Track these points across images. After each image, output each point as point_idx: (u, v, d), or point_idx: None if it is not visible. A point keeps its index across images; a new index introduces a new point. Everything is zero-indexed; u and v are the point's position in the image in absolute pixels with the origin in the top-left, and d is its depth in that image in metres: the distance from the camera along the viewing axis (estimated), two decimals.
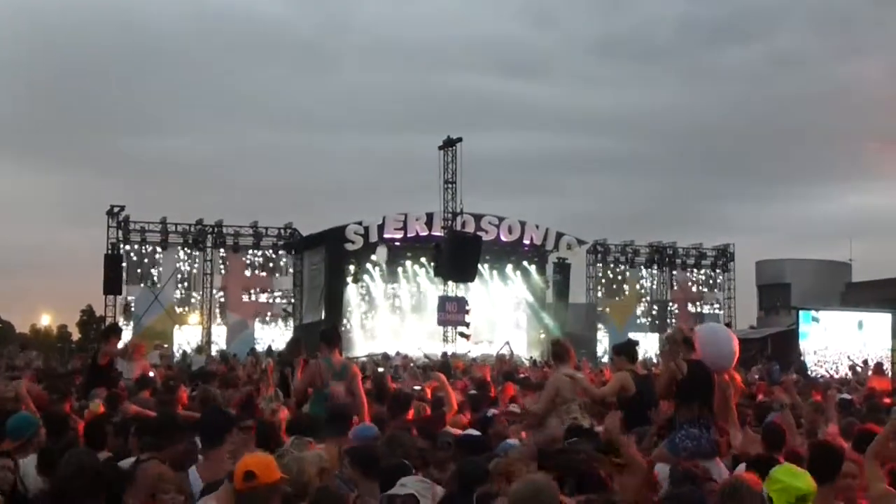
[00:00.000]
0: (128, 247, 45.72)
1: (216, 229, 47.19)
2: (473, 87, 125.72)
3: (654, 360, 27.06)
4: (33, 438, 8.09)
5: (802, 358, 31.38)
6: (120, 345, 16.45)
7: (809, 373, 30.02)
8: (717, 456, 8.52)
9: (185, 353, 42.93)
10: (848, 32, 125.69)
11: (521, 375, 21.67)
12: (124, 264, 45.03)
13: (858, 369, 28.24)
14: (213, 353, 40.58)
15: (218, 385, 16.05)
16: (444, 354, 37.44)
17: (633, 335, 51.13)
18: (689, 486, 6.19)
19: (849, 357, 34.41)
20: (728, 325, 40.66)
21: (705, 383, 9.31)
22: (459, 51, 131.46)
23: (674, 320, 53.31)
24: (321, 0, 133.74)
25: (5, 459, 7.33)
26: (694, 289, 54.87)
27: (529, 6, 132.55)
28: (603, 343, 51.06)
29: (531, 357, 42.43)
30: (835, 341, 35.47)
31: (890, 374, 29.33)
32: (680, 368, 9.17)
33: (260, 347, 42.52)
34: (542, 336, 49.28)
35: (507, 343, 31.88)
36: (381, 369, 27.43)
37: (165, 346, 39.97)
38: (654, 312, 54.15)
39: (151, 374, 17.89)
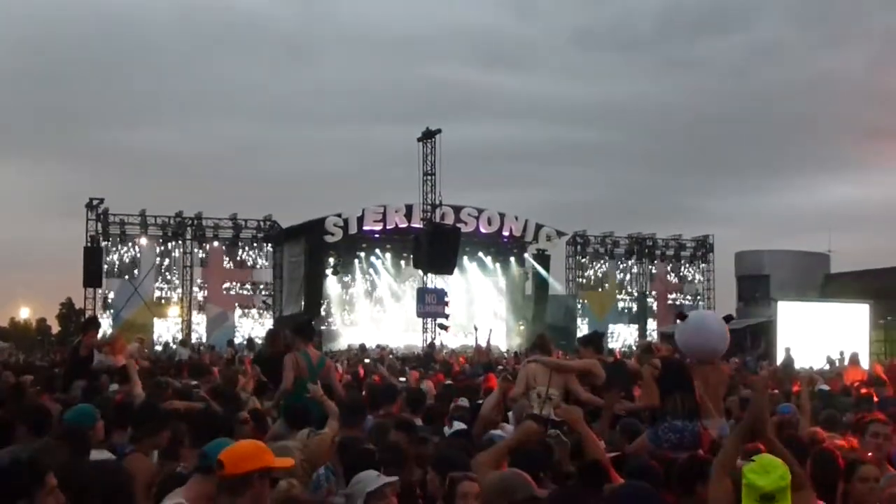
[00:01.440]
0: (107, 240, 45.63)
1: (196, 222, 47.17)
2: (453, 77, 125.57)
3: (634, 349, 27.15)
4: (89, 431, 8.00)
5: (787, 349, 31.44)
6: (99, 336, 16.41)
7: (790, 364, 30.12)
8: (699, 449, 8.52)
9: (167, 344, 42.96)
10: (827, 23, 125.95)
11: (499, 367, 21.71)
12: (104, 257, 44.94)
13: (836, 360, 28.34)
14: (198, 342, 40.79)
15: (188, 375, 16.12)
16: (431, 346, 37.53)
17: (612, 326, 51.70)
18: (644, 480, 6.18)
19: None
20: None
21: (683, 375, 9.39)
22: (439, 41, 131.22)
23: (654, 311, 53.65)
24: None
25: None
26: (673, 280, 55.08)
27: None
28: (582, 334, 51.16)
29: (509, 349, 42.47)
30: (813, 332, 35.59)
31: (868, 364, 29.53)
32: (655, 366, 9.31)
33: (239, 339, 42.56)
34: (522, 327, 49.43)
35: (475, 328, 31.55)
36: (367, 361, 27.45)
37: (143, 338, 39.85)
38: (633, 304, 54.32)
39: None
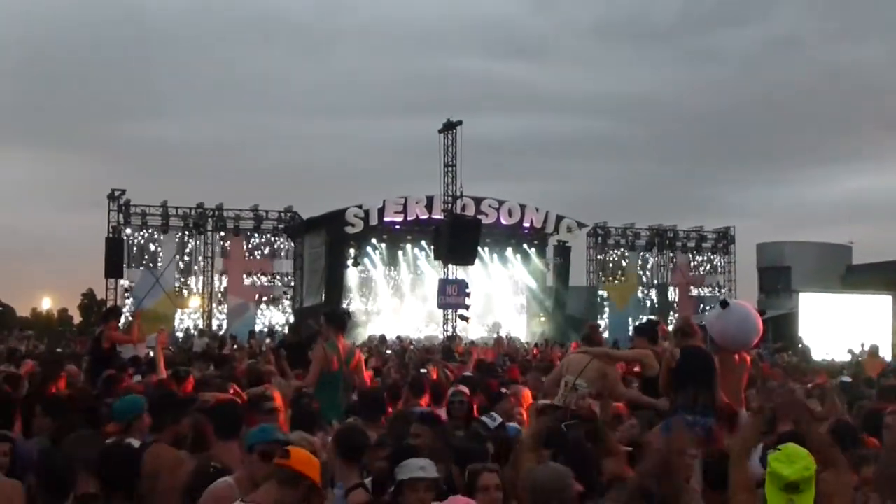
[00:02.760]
0: (129, 230, 45.78)
1: (217, 213, 47.25)
2: (473, 69, 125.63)
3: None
4: (136, 421, 8.03)
5: (802, 342, 31.38)
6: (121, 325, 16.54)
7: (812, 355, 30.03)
8: (710, 445, 8.41)
9: (187, 333, 43.11)
10: (845, 14, 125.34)
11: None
12: (126, 248, 45.10)
13: (856, 352, 28.26)
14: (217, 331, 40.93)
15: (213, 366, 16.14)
16: (451, 338, 37.48)
17: (633, 318, 51.54)
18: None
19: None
20: None
21: (702, 369, 9.33)
22: (459, 32, 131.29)
23: (675, 303, 53.48)
24: None
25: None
26: (694, 272, 54.89)
27: None
28: (604, 326, 51.20)
29: (529, 341, 42.44)
30: (835, 324, 35.47)
31: (891, 356, 29.42)
32: (674, 357, 9.23)
33: (260, 327, 42.75)
34: (542, 319, 49.37)
35: (498, 325, 31.83)
36: (389, 352, 27.48)
37: (165, 329, 40.00)
38: (654, 295, 54.19)
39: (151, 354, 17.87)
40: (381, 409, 9.36)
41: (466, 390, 10.36)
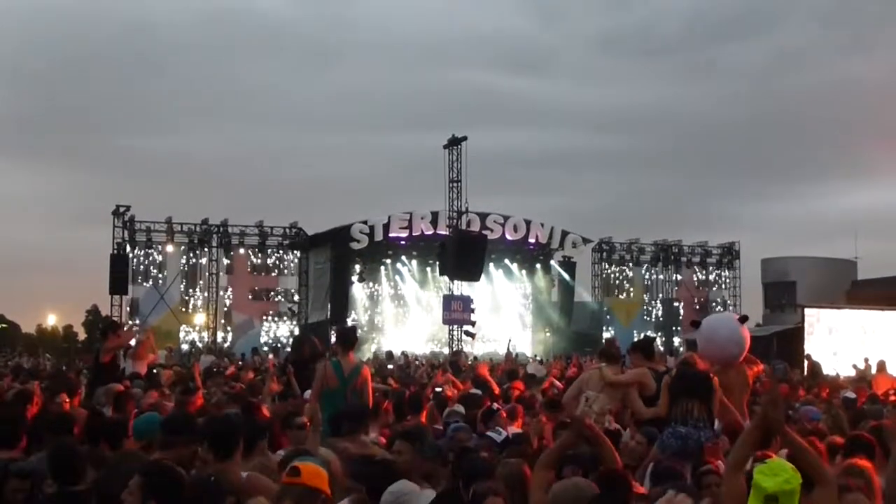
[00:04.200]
0: (133, 247, 45.84)
1: (221, 229, 47.34)
2: (478, 83, 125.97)
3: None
4: (155, 439, 8.01)
5: (810, 357, 31.29)
6: (133, 342, 16.59)
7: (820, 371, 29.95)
8: (703, 456, 8.45)
9: (192, 350, 43.16)
10: (853, 29, 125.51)
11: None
12: (131, 264, 45.18)
13: (861, 367, 28.17)
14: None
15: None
16: (456, 353, 37.47)
17: (637, 334, 51.53)
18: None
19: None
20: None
21: (697, 385, 9.37)
22: (463, 46, 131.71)
23: (680, 318, 53.45)
24: None
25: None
26: (699, 287, 54.89)
27: (534, 1, 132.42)
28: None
29: (535, 355, 42.47)
30: (840, 340, 35.41)
31: None
32: (671, 377, 9.36)
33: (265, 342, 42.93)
34: (548, 334, 49.37)
35: (510, 340, 31.96)
36: (390, 367, 27.47)
37: (172, 346, 40.20)
38: (659, 311, 54.18)
39: (155, 371, 17.89)
40: (362, 424, 9.34)
41: (462, 410, 10.39)
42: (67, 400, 11.57)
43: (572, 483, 6.01)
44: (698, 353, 10.68)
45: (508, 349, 28.45)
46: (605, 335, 50.91)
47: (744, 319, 11.27)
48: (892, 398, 15.65)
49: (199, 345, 45.81)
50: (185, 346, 45.37)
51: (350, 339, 12.38)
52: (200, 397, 12.38)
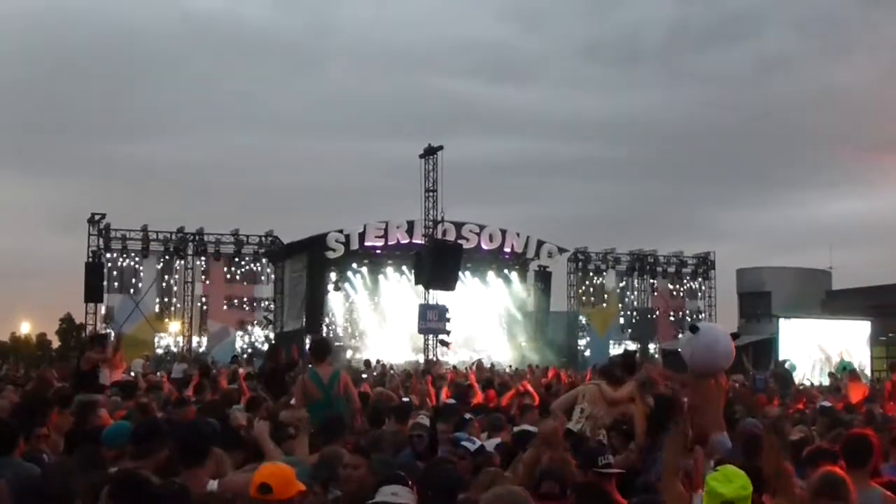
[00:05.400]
0: (109, 255, 45.70)
1: (197, 237, 47.27)
2: (458, 91, 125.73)
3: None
4: (127, 447, 7.94)
5: (787, 365, 31.43)
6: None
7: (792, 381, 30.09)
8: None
9: (163, 359, 42.96)
10: (834, 35, 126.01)
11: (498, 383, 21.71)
12: (106, 272, 45.04)
13: (838, 376, 28.33)
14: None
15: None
16: (428, 362, 37.44)
17: (613, 343, 51.69)
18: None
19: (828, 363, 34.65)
20: None
21: (672, 411, 9.50)
22: (444, 54, 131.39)
23: (657, 327, 53.62)
24: (303, 4, 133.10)
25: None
26: (675, 297, 55.08)
27: (515, 9, 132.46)
28: (585, 351, 51.41)
29: (510, 366, 42.48)
30: (814, 349, 35.66)
31: (869, 380, 29.54)
32: (648, 406, 9.48)
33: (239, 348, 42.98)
34: (524, 344, 49.39)
35: (479, 360, 32.29)
36: (364, 376, 27.45)
37: (148, 354, 40.11)
38: (634, 321, 54.31)
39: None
40: (340, 431, 9.33)
41: (426, 422, 10.36)
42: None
43: (506, 490, 5.96)
44: (687, 357, 10.62)
45: (479, 360, 28.59)
46: (581, 345, 51.34)
47: (735, 337, 11.32)
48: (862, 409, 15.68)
49: (175, 349, 45.76)
50: (159, 351, 45.29)
51: (323, 349, 12.48)
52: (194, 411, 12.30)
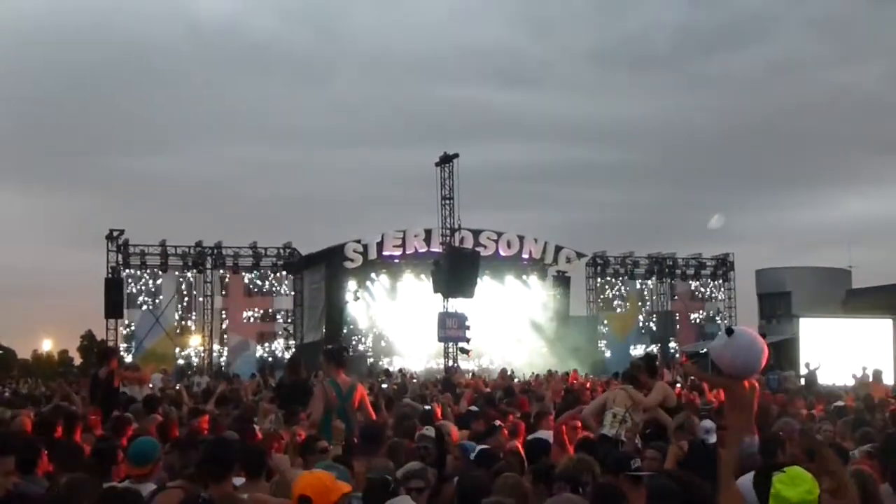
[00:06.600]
0: (128, 270, 45.84)
1: (215, 251, 47.38)
2: (470, 98, 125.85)
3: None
4: (156, 465, 7.91)
5: (810, 367, 31.24)
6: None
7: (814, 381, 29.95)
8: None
9: (184, 372, 42.97)
10: (846, 38, 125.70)
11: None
12: (125, 288, 45.17)
13: (858, 376, 28.15)
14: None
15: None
16: (448, 370, 37.43)
17: (633, 347, 51.52)
18: None
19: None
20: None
21: (708, 462, 9.42)
22: (454, 62, 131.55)
23: (677, 330, 53.42)
24: (314, 14, 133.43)
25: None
26: (694, 299, 54.89)
27: (525, 15, 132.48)
28: (605, 355, 51.23)
29: (533, 372, 42.37)
30: (836, 349, 35.42)
31: (893, 381, 29.33)
32: (682, 450, 9.37)
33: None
34: (544, 350, 49.25)
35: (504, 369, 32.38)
36: (384, 387, 27.41)
37: (167, 368, 40.12)
38: (654, 324, 54.12)
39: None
40: (379, 442, 9.31)
41: (432, 433, 10.32)
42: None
43: (564, 498, 6.00)
44: (722, 360, 10.52)
45: (504, 368, 28.59)
46: (602, 350, 51.16)
47: (763, 337, 11.29)
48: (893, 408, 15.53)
49: (195, 360, 45.93)
50: (180, 362, 45.42)
51: (338, 357, 12.31)
52: (207, 420, 12.28)
